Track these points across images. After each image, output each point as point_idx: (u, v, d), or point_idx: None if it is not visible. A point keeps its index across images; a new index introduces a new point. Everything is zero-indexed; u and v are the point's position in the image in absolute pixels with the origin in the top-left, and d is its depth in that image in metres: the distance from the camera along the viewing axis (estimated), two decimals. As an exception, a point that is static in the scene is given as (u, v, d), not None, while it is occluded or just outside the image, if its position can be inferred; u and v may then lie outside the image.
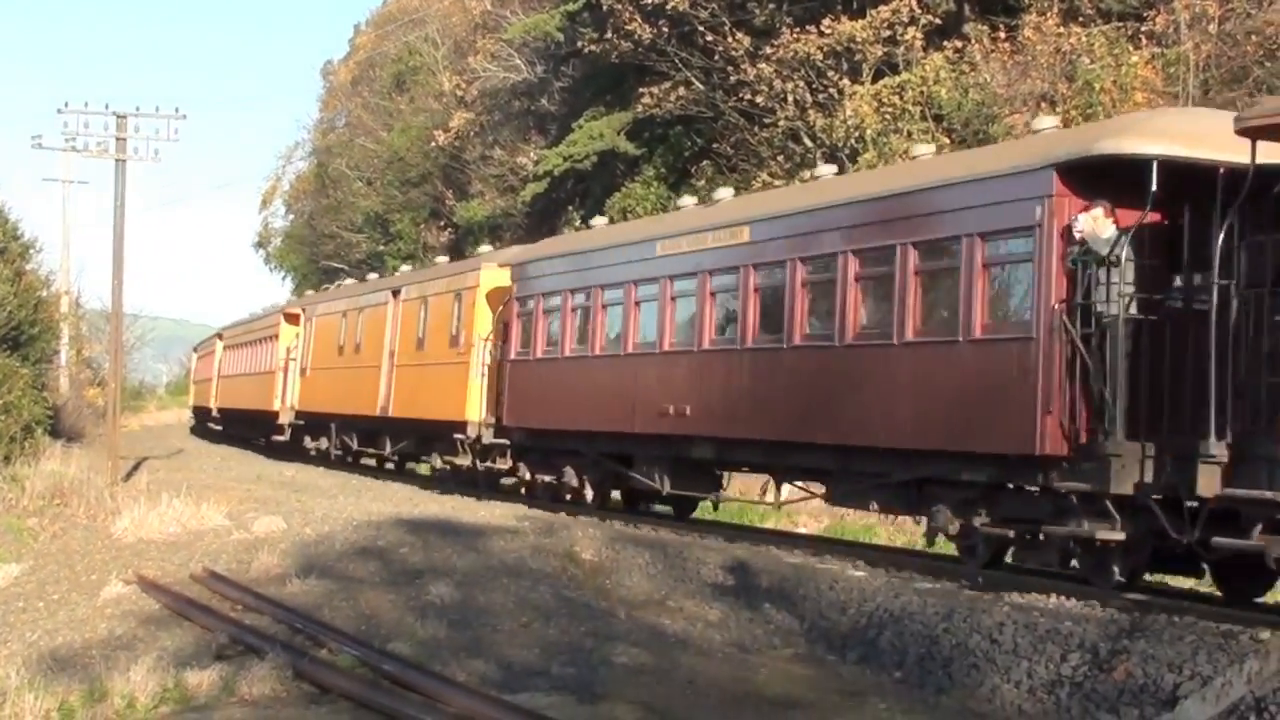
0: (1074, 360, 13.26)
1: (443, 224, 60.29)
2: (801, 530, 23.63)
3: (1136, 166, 12.96)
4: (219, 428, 54.29)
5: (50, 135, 35.26)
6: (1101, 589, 13.16)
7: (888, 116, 30.95)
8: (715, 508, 22.02)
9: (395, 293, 30.96)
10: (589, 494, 22.25)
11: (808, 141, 33.79)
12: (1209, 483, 11.96)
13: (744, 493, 21.12)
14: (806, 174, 21.17)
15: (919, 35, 31.97)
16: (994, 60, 31.47)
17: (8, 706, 10.75)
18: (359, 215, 68.81)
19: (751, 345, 17.89)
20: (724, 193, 21.34)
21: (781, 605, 14.10)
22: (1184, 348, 12.68)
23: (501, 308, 24.86)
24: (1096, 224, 13.27)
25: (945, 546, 16.63)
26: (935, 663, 11.91)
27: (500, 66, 51.23)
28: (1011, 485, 14.41)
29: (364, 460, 35.04)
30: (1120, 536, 12.96)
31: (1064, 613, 12.26)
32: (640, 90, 38.90)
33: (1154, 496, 12.68)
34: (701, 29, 36.08)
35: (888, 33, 32.08)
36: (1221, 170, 12.33)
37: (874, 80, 32.20)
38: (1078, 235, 13.34)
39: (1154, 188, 12.83)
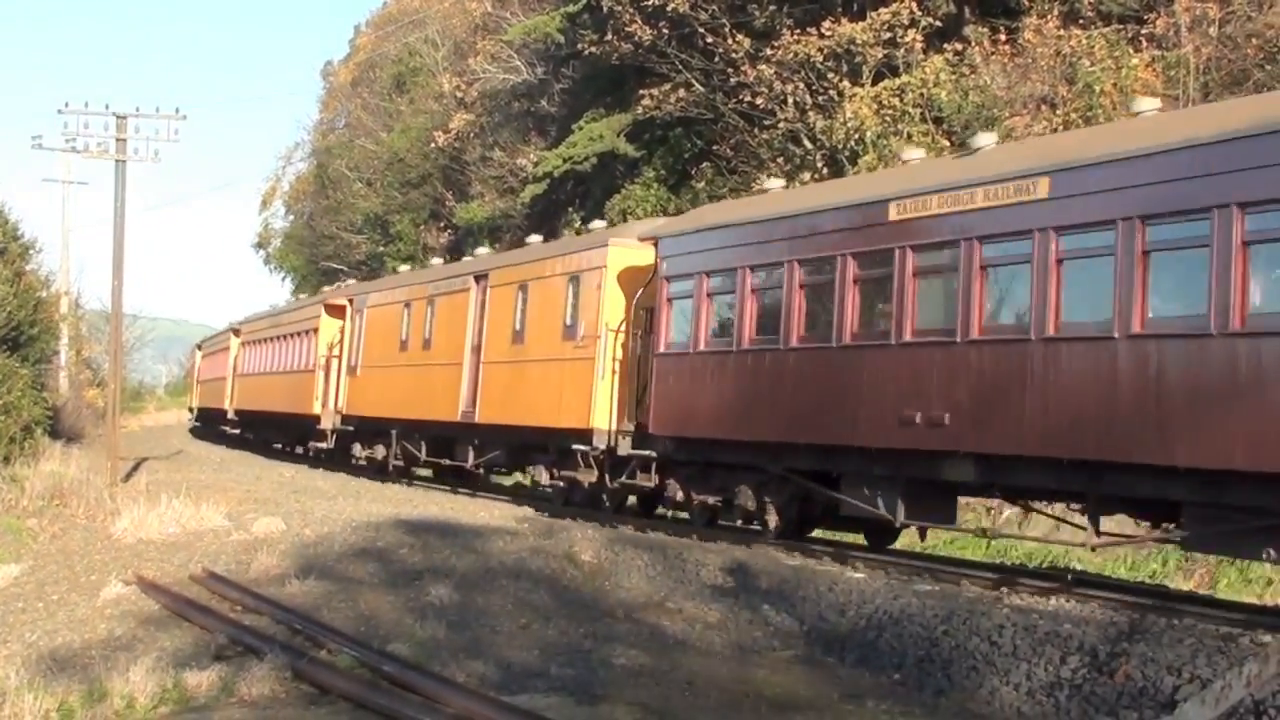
0: None
1: (442, 225, 60.27)
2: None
3: None
4: (236, 431, 50.58)
5: (50, 136, 35.31)
6: None
7: (887, 119, 30.92)
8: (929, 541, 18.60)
9: (479, 278, 26.67)
10: (772, 519, 17.88)
11: (807, 143, 33.77)
12: None
13: (997, 522, 18.46)
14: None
15: (919, 37, 31.94)
16: (994, 63, 31.44)
17: (7, 707, 10.74)
18: (359, 216, 68.79)
19: (1057, 335, 13.74)
20: (985, 138, 16.80)
21: (781, 607, 14.11)
22: None
23: (640, 292, 20.76)
24: None
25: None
26: (934, 665, 11.91)
27: (500, 68, 51.21)
28: None
29: (418, 471, 31.05)
30: None
31: (1063, 615, 12.27)
32: (640, 92, 38.88)
33: None
34: (702, 31, 36.06)
35: (888, 35, 32.05)
36: None
37: (874, 82, 32.17)
38: None
39: None
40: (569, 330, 22.46)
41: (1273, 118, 12.18)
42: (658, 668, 12.01)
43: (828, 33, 32.52)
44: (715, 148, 37.59)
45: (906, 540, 19.72)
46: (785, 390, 17.30)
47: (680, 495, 19.76)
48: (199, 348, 66.22)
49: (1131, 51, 28.44)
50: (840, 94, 32.41)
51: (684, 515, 20.94)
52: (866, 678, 12.12)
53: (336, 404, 33.93)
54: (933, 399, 14.93)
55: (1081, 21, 29.98)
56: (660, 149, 41.37)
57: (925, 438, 14.98)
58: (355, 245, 69.41)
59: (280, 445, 44.58)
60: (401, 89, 68.42)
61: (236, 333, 51.33)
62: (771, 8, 35.47)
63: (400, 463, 30.35)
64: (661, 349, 19.81)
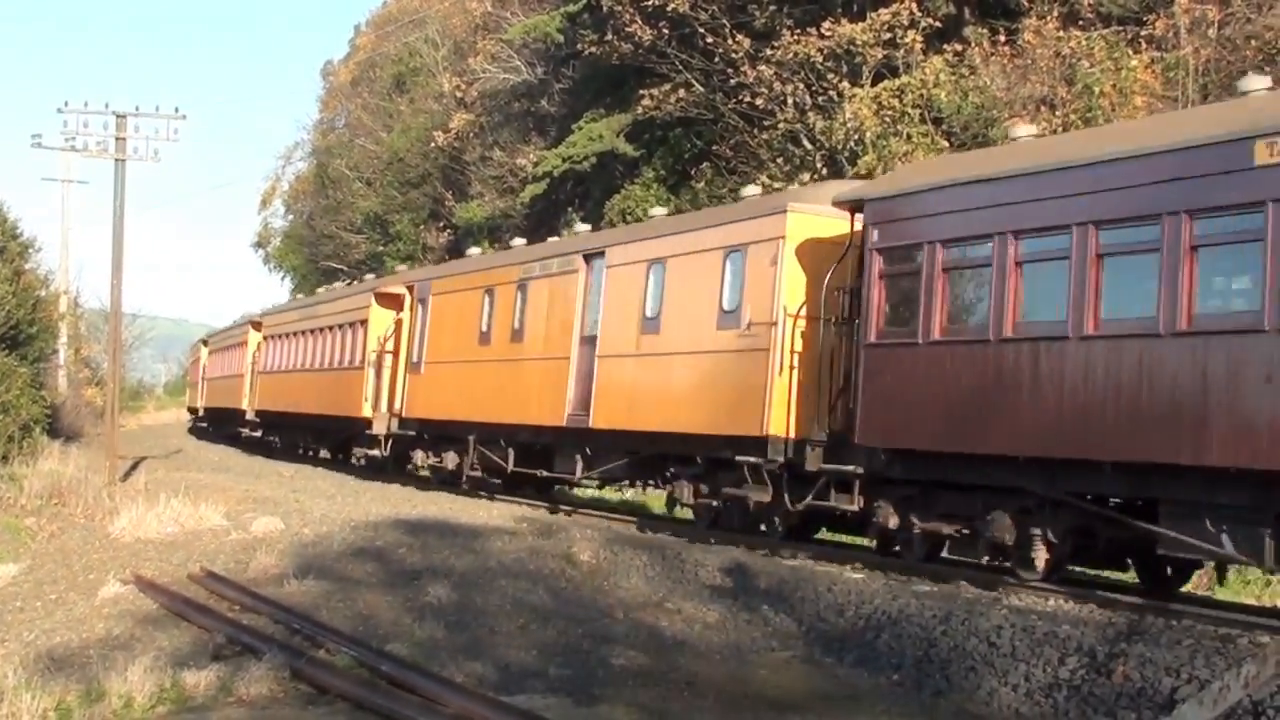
0: None
1: (442, 225, 60.28)
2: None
3: None
4: (257, 435, 46.00)
5: (50, 135, 35.40)
6: None
7: (887, 119, 30.92)
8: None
9: (592, 257, 22.57)
10: (1039, 557, 14.25)
11: (807, 144, 33.78)
12: None
13: None
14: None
15: (919, 38, 31.95)
16: (993, 64, 31.44)
17: (5, 706, 10.74)
18: (358, 216, 68.80)
19: None
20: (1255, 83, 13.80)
21: (780, 607, 14.11)
22: None
23: (833, 268, 16.84)
24: None
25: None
26: (933, 665, 11.91)
27: (500, 68, 51.22)
28: None
29: (489, 481, 26.59)
30: None
31: (1062, 616, 12.27)
32: (640, 92, 38.88)
33: None
34: (702, 31, 36.07)
35: (888, 35, 32.06)
36: None
37: (874, 83, 32.18)
38: None
39: None
40: (728, 316, 18.53)
41: None
42: (656, 668, 12.01)
43: (827, 33, 32.53)
44: (715, 148, 37.60)
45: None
46: (1070, 392, 13.52)
47: (894, 522, 15.95)
48: (204, 343, 62.02)
49: (1131, 53, 28.44)
50: (840, 95, 32.43)
51: (859, 539, 18.05)
52: (865, 678, 12.12)
53: (392, 405, 29.96)
54: None
55: (1081, 23, 29.99)
56: (660, 149, 41.39)
57: None
58: (355, 245, 69.41)
59: (314, 451, 40.83)
60: (401, 89, 68.44)
61: (256, 325, 47.02)
62: (771, 8, 35.48)
63: (478, 473, 26.41)
64: (872, 339, 15.90)
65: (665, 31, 36.47)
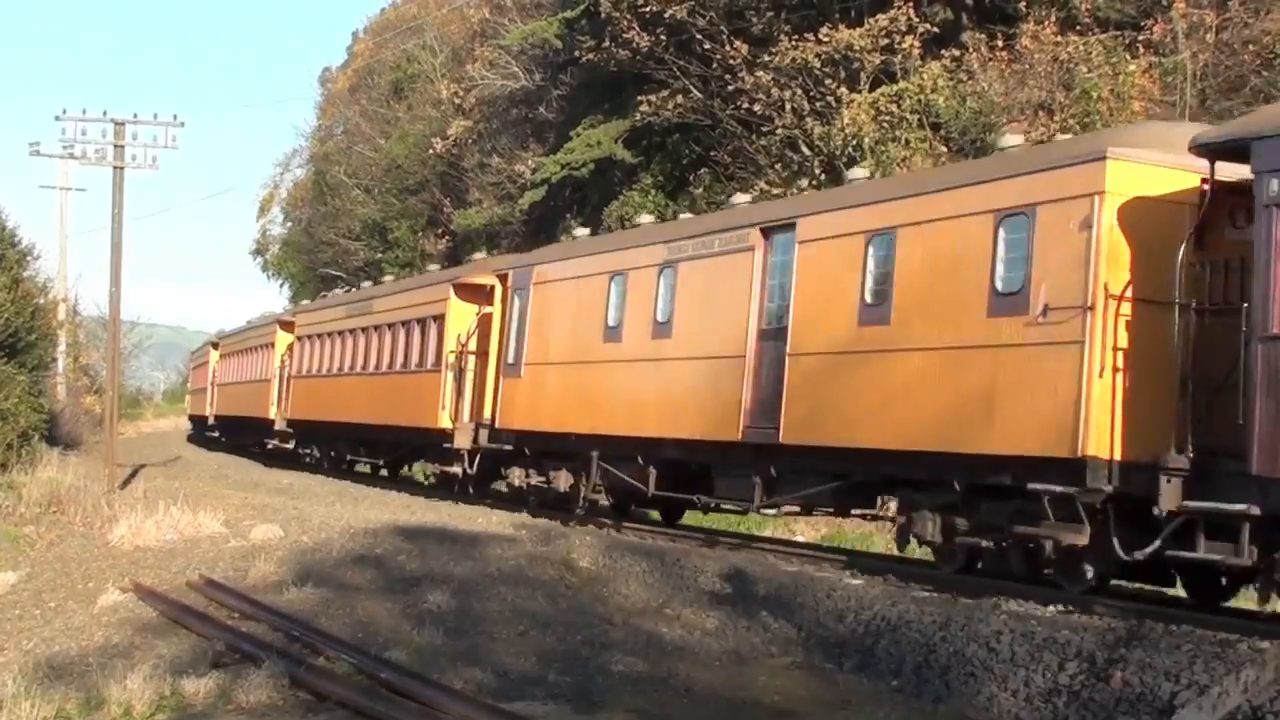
0: None
1: (440, 231, 60.32)
2: (799, 538, 23.64)
3: None
4: (288, 446, 41.31)
5: (48, 142, 35.26)
6: None
7: (885, 125, 30.98)
8: None
9: (772, 231, 18.40)
10: None
11: (805, 150, 33.81)
12: None
13: None
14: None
15: (917, 44, 32.00)
16: (991, 69, 31.50)
17: (4, 714, 10.74)
18: (357, 223, 68.85)
19: None
20: None
21: (779, 613, 14.10)
22: None
23: (1187, 238, 13.12)
24: None
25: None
26: (932, 671, 11.91)
27: (498, 74, 51.27)
28: None
29: (628, 508, 23.04)
30: None
31: (1061, 621, 12.27)
32: (638, 98, 38.94)
33: None
34: (699, 37, 36.11)
35: (885, 41, 32.11)
36: None
37: (872, 88, 32.22)
38: None
39: None
40: (1006, 301, 14.51)
41: None
42: (655, 675, 12.01)
43: (825, 39, 32.58)
44: (713, 154, 37.65)
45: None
46: None
47: None
48: (215, 346, 57.29)
49: (1128, 58, 28.52)
50: (838, 100, 32.47)
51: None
52: (865, 684, 12.12)
53: (479, 414, 25.83)
54: None
55: (1079, 28, 30.05)
56: (658, 155, 41.44)
57: None
58: (353, 252, 69.46)
59: (353, 465, 36.50)
60: (399, 95, 68.50)
61: (287, 325, 42.74)
62: (769, 14, 35.54)
63: (600, 496, 22.30)
64: (1276, 329, 11.96)
65: (663, 38, 36.53)
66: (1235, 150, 12.81)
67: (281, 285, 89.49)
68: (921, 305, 15.63)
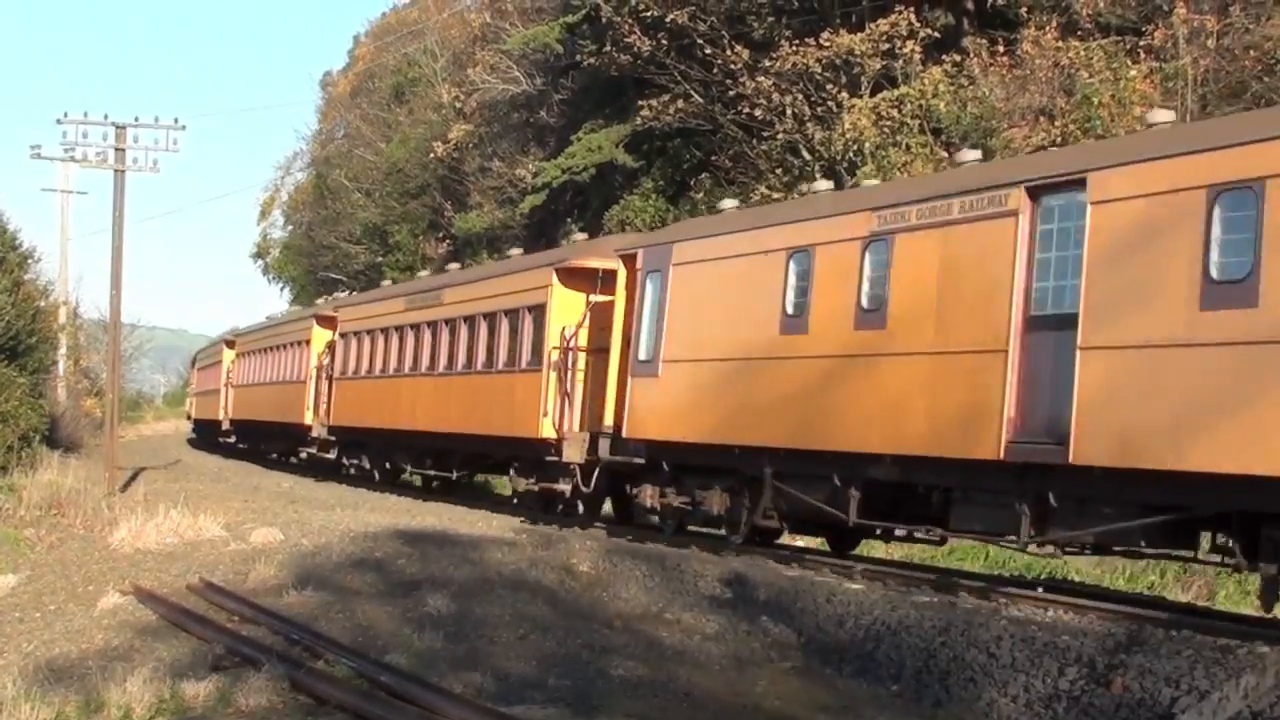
0: None
1: (441, 235, 60.34)
2: (799, 543, 23.61)
3: None
4: (329, 456, 36.23)
5: (49, 145, 35.20)
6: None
7: (886, 130, 30.99)
8: None
9: (1042, 191, 14.52)
10: None
11: (806, 155, 33.82)
12: None
13: None
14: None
15: (918, 49, 32.02)
16: (992, 74, 31.51)
17: (4, 717, 10.73)
18: (357, 226, 68.87)
19: None
20: None
21: (779, 618, 14.10)
22: None
23: None
24: None
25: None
26: (932, 676, 11.91)
27: (499, 78, 51.30)
28: None
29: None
30: None
31: (1061, 626, 12.27)
32: (639, 103, 38.96)
33: None
34: (700, 42, 36.13)
35: (886, 46, 32.13)
36: None
37: (872, 93, 32.24)
38: None
39: None
40: None
41: None
42: (655, 679, 12.00)
43: (826, 44, 32.59)
44: (714, 158, 37.66)
45: (904, 553, 19.62)
46: None
47: None
48: (229, 344, 51.93)
49: (1130, 63, 28.51)
50: (839, 105, 32.49)
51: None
52: (864, 689, 12.12)
53: (594, 421, 22.08)
54: None
55: (1080, 33, 30.05)
56: (659, 160, 41.45)
57: None
58: (354, 255, 69.49)
59: (423, 476, 31.59)
60: (400, 99, 68.55)
61: (325, 320, 37.65)
62: (770, 19, 35.57)
63: (773, 521, 18.73)
64: None
65: (664, 42, 36.54)
66: None
67: (282, 289, 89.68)
68: None
